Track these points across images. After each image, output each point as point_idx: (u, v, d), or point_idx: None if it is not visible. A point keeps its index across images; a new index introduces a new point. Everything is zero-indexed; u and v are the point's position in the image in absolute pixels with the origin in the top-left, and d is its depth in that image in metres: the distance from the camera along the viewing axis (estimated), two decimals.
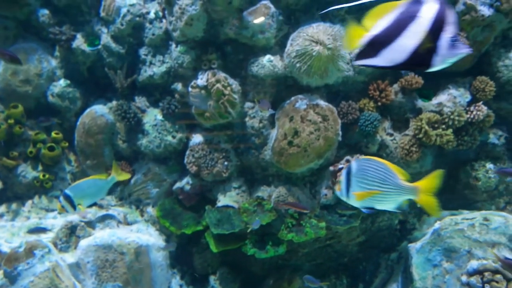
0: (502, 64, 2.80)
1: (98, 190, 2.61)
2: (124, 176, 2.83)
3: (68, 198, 2.48)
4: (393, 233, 3.08)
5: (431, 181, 1.51)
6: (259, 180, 3.00)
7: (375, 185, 1.50)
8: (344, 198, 1.63)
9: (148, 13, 3.06)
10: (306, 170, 2.79)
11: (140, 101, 3.19)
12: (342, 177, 1.58)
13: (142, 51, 3.10)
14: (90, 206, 2.91)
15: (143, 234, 2.95)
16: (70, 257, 2.62)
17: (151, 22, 3.05)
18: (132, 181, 3.19)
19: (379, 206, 1.57)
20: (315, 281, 2.61)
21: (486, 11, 2.63)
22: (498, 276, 2.36)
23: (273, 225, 2.83)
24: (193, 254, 3.16)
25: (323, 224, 2.66)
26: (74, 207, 2.49)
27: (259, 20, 2.71)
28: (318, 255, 3.05)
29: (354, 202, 1.59)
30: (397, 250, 3.04)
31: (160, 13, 3.05)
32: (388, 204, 1.55)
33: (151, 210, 3.17)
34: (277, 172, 2.90)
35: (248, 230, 2.78)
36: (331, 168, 2.68)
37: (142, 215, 3.19)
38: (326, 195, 2.74)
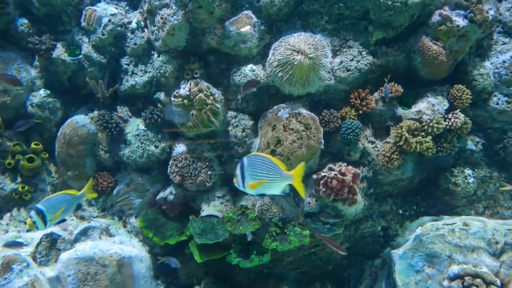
0: (477, 73, 2.88)
1: (68, 205, 2.41)
2: (93, 195, 2.63)
3: (41, 213, 2.29)
4: (376, 240, 3.11)
5: (299, 170, 1.90)
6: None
7: (263, 175, 1.84)
8: (241, 188, 1.90)
9: (129, 22, 3.05)
10: None
11: (122, 111, 3.16)
12: (237, 171, 1.85)
13: (124, 61, 3.09)
14: (58, 223, 2.79)
15: (126, 245, 2.91)
16: (50, 271, 2.57)
17: (132, 31, 3.04)
18: (115, 191, 3.15)
19: (269, 192, 1.91)
20: None
21: (460, 21, 2.71)
22: (478, 280, 2.40)
23: (257, 234, 2.83)
24: None
25: (307, 232, 2.67)
26: (45, 223, 2.28)
27: (245, 28, 2.73)
28: (303, 263, 3.06)
29: (249, 191, 1.88)
30: (380, 257, 3.06)
31: (142, 23, 3.05)
32: (275, 190, 1.89)
33: (134, 221, 3.13)
34: None
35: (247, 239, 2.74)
36: (314, 176, 2.70)
37: (125, 226, 3.15)
38: (309, 203, 2.75)
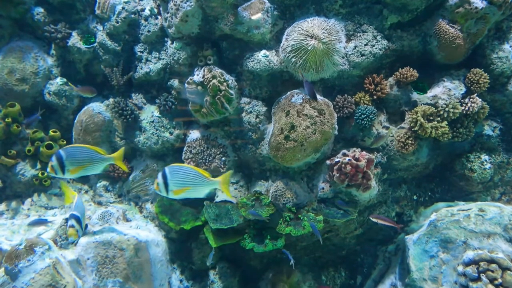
0: (496, 56, 2.81)
1: (92, 163, 2.23)
2: (122, 165, 2.50)
3: (60, 159, 2.13)
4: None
5: (225, 177, 2.20)
6: (257, 175, 3.02)
7: (188, 183, 2.09)
8: (164, 195, 2.11)
9: (143, 10, 3.06)
10: (303, 164, 2.81)
11: (137, 98, 3.20)
12: (159, 180, 2.07)
13: (138, 48, 3.11)
14: (80, 178, 2.72)
15: (142, 230, 2.98)
16: (70, 254, 2.64)
17: (146, 19, 3.05)
18: (131, 178, 3.21)
19: (193, 196, 2.16)
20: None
21: (479, 3, 2.64)
22: (494, 266, 2.39)
23: (271, 219, 2.85)
24: (192, 249, 3.19)
25: (320, 217, 2.69)
26: (63, 171, 2.15)
27: (256, 16, 2.72)
28: (317, 248, 3.08)
29: (172, 196, 2.10)
30: (394, 242, 3.06)
31: (155, 10, 3.06)
32: (199, 194, 2.15)
33: (150, 207, 3.19)
34: (274, 167, 2.92)
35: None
36: (328, 161, 2.70)
37: (141, 212, 3.21)
38: (323, 188, 2.76)
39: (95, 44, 3.15)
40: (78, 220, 2.33)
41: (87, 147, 2.24)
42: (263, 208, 2.80)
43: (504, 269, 2.38)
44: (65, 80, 3.26)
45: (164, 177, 2.07)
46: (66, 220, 2.66)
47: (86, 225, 2.38)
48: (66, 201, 2.50)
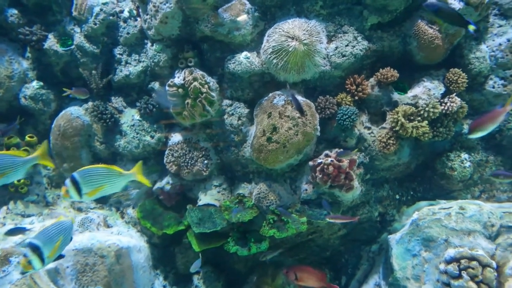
0: (474, 56, 2.86)
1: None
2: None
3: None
4: (373, 225, 3.12)
5: (138, 167, 2.19)
6: (240, 177, 2.99)
7: (103, 181, 2.05)
8: (77, 199, 2.09)
9: (122, 11, 3.01)
10: (286, 166, 2.80)
11: (117, 101, 3.14)
12: (68, 186, 1.99)
13: (117, 51, 3.05)
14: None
15: (123, 236, 2.92)
16: None
17: (125, 20, 3.00)
18: None
19: (110, 192, 2.16)
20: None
21: (456, 4, 2.68)
22: (474, 263, 2.42)
23: (255, 222, 2.84)
24: (175, 254, 3.14)
25: (304, 219, 2.68)
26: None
27: (242, 17, 2.70)
28: (301, 250, 3.07)
29: (87, 198, 2.08)
30: (377, 242, 3.08)
31: (135, 12, 3.00)
32: (116, 189, 2.14)
33: (131, 212, 3.13)
34: (257, 169, 2.90)
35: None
36: (311, 163, 2.70)
37: (122, 217, 3.15)
38: (306, 190, 2.75)
39: (72, 47, 3.08)
40: (36, 249, 1.93)
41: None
42: (246, 210, 2.77)
43: (484, 266, 2.41)
44: (41, 83, 3.17)
45: (75, 182, 1.98)
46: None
47: (61, 255, 2.06)
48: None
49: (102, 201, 3.20)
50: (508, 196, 3.07)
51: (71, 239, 2.18)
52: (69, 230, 2.10)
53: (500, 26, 2.90)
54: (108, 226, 3.01)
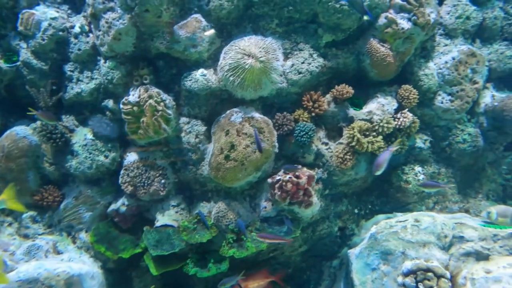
0: (423, 73, 2.98)
1: None
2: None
3: None
4: (334, 240, 3.14)
5: (7, 192, 2.05)
6: (198, 196, 2.92)
7: None
8: None
9: (72, 27, 2.90)
10: (245, 184, 2.77)
11: (68, 120, 3.00)
12: None
13: (68, 67, 2.93)
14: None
15: (75, 262, 2.75)
16: None
17: (76, 36, 2.89)
18: (62, 206, 2.97)
19: None
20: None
21: (405, 24, 2.80)
22: (430, 274, 2.47)
23: (214, 242, 2.77)
24: (132, 278, 3.00)
25: None
26: None
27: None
28: (262, 268, 3.02)
29: None
30: (338, 257, 3.09)
31: (86, 27, 2.90)
32: None
33: (84, 236, 2.97)
34: (216, 187, 2.85)
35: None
36: (269, 180, 2.68)
37: (74, 242, 2.97)
38: (265, 207, 2.72)
39: (18, 63, 2.92)
40: None
41: None
42: (206, 230, 2.70)
43: (439, 276, 2.47)
44: None
45: None
46: None
47: None
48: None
49: (52, 226, 3.01)
50: (459, 206, 3.19)
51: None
52: None
53: (446, 45, 3.06)
54: (58, 253, 2.83)
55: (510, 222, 2.74)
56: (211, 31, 2.70)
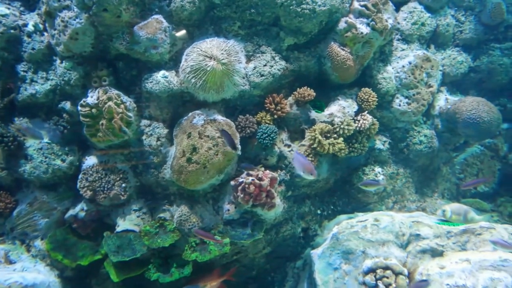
0: (381, 77, 3.08)
1: None
2: None
3: None
4: (297, 241, 3.17)
5: None
6: (161, 200, 2.87)
7: None
8: None
9: (25, 25, 2.77)
10: (207, 187, 2.75)
11: (21, 122, 2.85)
12: None
13: (21, 67, 2.80)
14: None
15: (29, 272, 2.63)
16: None
17: (29, 35, 2.77)
18: (15, 213, 2.83)
19: None
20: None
21: (364, 29, 2.88)
22: (388, 272, 2.54)
23: (177, 246, 2.73)
24: (92, 286, 2.90)
25: (227, 240, 2.63)
26: None
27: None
28: (226, 271, 3.01)
29: None
30: (301, 258, 3.13)
31: (41, 26, 2.79)
32: None
33: (39, 244, 2.84)
34: (178, 191, 2.81)
35: None
36: (232, 182, 2.67)
37: (28, 251, 2.84)
38: (229, 210, 2.71)
39: None
40: None
41: None
42: (168, 234, 2.66)
43: (397, 274, 2.54)
44: None
45: None
46: None
47: None
48: None
49: (4, 234, 2.86)
50: (417, 206, 3.32)
51: None
52: None
53: (403, 49, 3.17)
54: (11, 262, 2.69)
55: (463, 220, 2.88)
56: (183, 32, 2.66)
